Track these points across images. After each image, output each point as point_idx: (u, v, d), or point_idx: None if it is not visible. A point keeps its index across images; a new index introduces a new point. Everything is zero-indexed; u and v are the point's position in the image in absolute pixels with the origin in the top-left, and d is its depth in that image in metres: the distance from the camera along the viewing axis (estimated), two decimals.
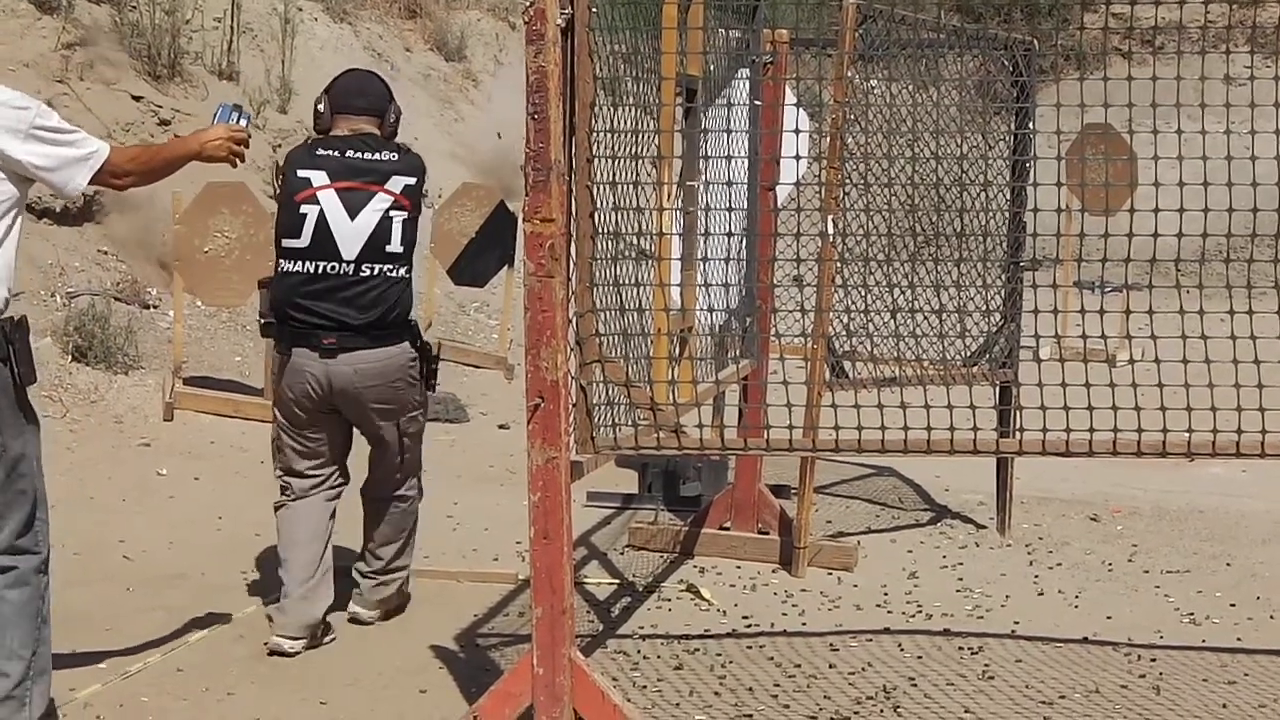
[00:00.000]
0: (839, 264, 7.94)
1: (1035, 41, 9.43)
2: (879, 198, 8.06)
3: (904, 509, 9.85)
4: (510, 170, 10.81)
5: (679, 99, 6.62)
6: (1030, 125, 8.74)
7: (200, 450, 10.37)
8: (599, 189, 5.56)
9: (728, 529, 8.67)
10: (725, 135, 7.00)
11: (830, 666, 6.81)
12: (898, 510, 9.81)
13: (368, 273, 6.60)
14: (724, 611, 7.61)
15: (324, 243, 6.59)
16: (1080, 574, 8.46)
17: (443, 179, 13.26)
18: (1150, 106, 5.72)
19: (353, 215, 6.59)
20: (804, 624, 7.45)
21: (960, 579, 8.29)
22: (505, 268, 9.49)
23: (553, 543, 5.32)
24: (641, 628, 7.32)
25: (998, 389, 8.85)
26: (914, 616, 7.61)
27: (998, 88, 9.37)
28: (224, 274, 11.18)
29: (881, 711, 6.28)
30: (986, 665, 6.88)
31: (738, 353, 7.82)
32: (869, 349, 8.20)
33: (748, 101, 7.58)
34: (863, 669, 6.79)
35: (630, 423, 5.72)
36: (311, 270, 6.61)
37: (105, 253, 12.22)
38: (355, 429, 6.97)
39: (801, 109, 8.52)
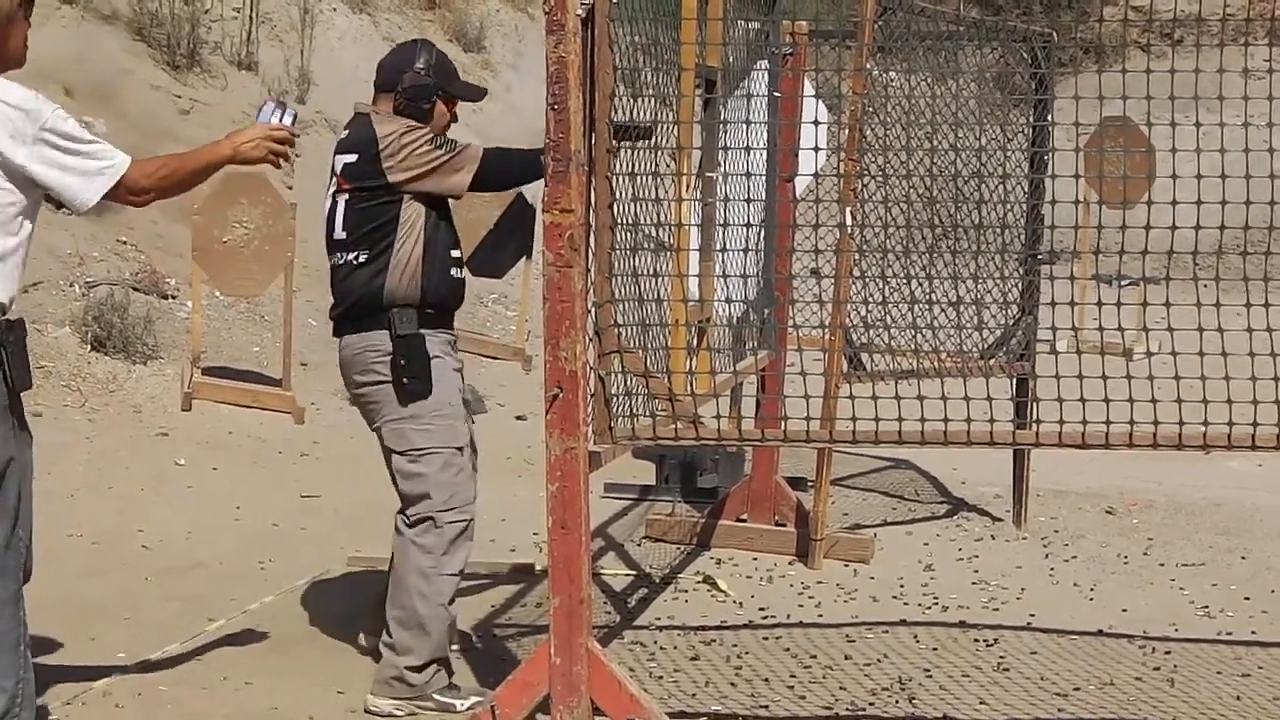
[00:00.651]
0: (857, 256, 7.95)
1: (1054, 34, 9.44)
2: (897, 190, 8.07)
3: (920, 502, 9.86)
4: None
5: (698, 90, 6.61)
6: (1049, 117, 8.75)
7: (218, 440, 10.39)
8: (618, 180, 5.57)
9: (744, 521, 8.69)
10: (744, 127, 7.01)
11: (846, 658, 6.83)
12: (914, 503, 9.83)
13: (336, 261, 6.24)
14: (740, 603, 7.63)
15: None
16: (1095, 567, 8.47)
17: None
18: (1169, 99, 5.72)
19: (326, 202, 6.29)
20: (820, 616, 7.47)
21: (976, 571, 8.31)
22: (523, 259, 9.49)
23: (570, 533, 5.32)
24: (658, 619, 7.34)
25: (1015, 381, 8.85)
26: (930, 608, 7.63)
27: (1016, 80, 9.37)
28: (243, 264, 11.16)
29: (897, 702, 6.29)
30: (1002, 657, 6.89)
31: (756, 344, 7.82)
32: (886, 341, 8.21)
33: (767, 93, 7.59)
34: (878, 660, 6.81)
35: (648, 413, 5.71)
36: None
37: (124, 242, 12.25)
38: None
39: (820, 101, 8.54)
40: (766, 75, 7.61)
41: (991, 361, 8.68)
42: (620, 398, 5.58)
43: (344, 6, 18.44)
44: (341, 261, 6.20)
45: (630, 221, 5.70)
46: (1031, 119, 9.03)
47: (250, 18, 15.89)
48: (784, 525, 8.59)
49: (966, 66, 9.14)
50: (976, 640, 7.12)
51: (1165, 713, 6.25)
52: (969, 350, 8.33)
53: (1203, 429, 5.54)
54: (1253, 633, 7.34)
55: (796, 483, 9.01)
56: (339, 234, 6.19)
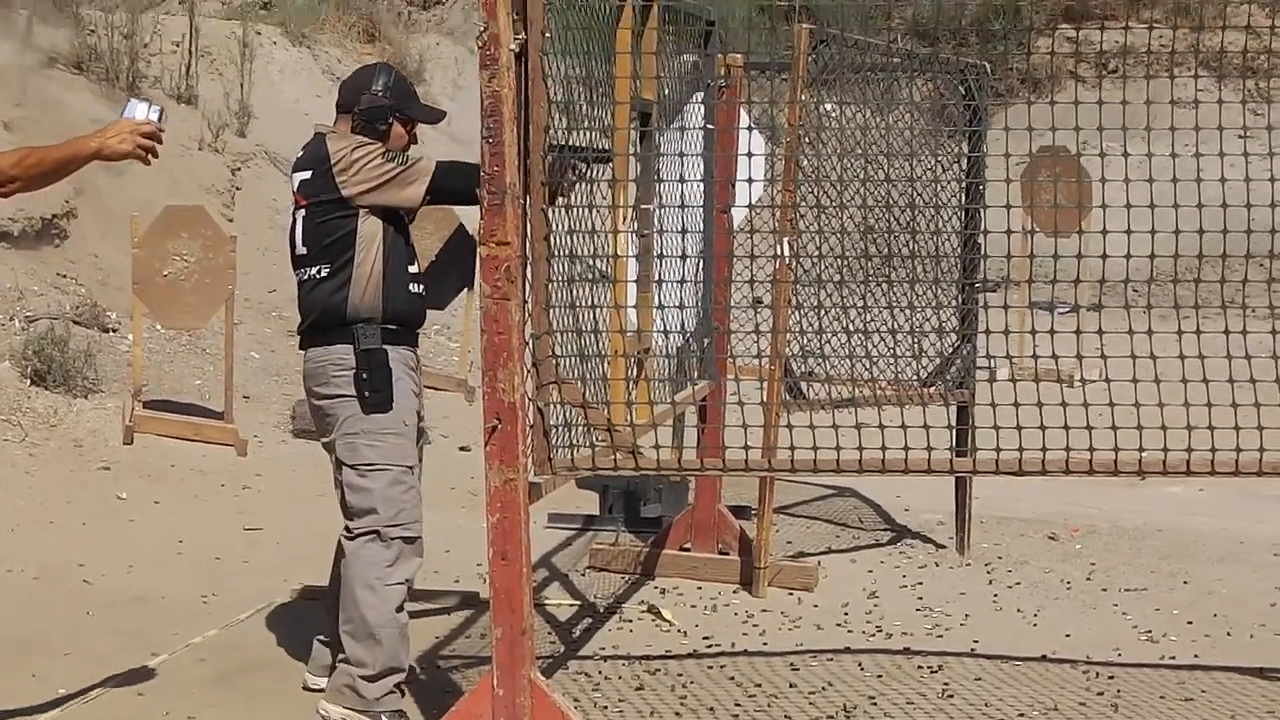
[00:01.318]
0: (795, 285, 7.99)
1: (987, 65, 9.51)
2: (833, 220, 8.12)
3: (864, 529, 9.89)
4: None
5: (633, 123, 6.64)
6: (983, 148, 8.81)
7: (160, 474, 10.36)
8: (554, 212, 5.60)
9: (688, 550, 8.70)
10: (680, 158, 7.05)
11: (791, 686, 6.84)
12: (858, 530, 9.86)
13: (300, 277, 6.29)
14: (685, 632, 7.64)
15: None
16: (1039, 592, 8.51)
17: None
18: (1097, 130, 5.78)
19: (289, 221, 6.38)
20: (765, 644, 7.49)
21: (920, 598, 8.34)
22: (465, 290, 9.50)
23: (511, 564, 5.34)
24: (603, 648, 7.34)
25: (954, 409, 8.89)
26: (874, 636, 7.65)
27: (951, 111, 9.44)
28: (184, 297, 11.13)
29: None
30: (946, 684, 6.92)
31: (695, 374, 7.85)
32: (825, 370, 8.25)
33: (702, 125, 7.62)
34: (823, 688, 6.83)
35: (588, 444, 5.75)
36: None
37: (64, 276, 12.21)
38: None
39: (756, 132, 8.58)
40: (702, 107, 7.64)
41: (931, 390, 8.72)
42: (560, 429, 5.61)
43: (284, 40, 18.46)
44: (305, 276, 6.25)
45: (567, 253, 5.74)
46: (966, 149, 9.09)
47: (190, 51, 15.88)
48: (728, 554, 8.60)
49: (901, 98, 9.19)
50: (921, 667, 7.15)
51: None
52: (908, 379, 8.36)
53: (1138, 455, 5.60)
54: (1195, 657, 7.38)
55: (740, 511, 9.02)
56: (300, 249, 6.26)
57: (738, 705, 6.59)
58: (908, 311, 7.78)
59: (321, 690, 6.38)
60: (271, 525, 9.33)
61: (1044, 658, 7.31)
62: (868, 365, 7.95)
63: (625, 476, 8.52)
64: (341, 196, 6.15)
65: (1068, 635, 7.68)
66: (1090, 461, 5.60)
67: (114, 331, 11.95)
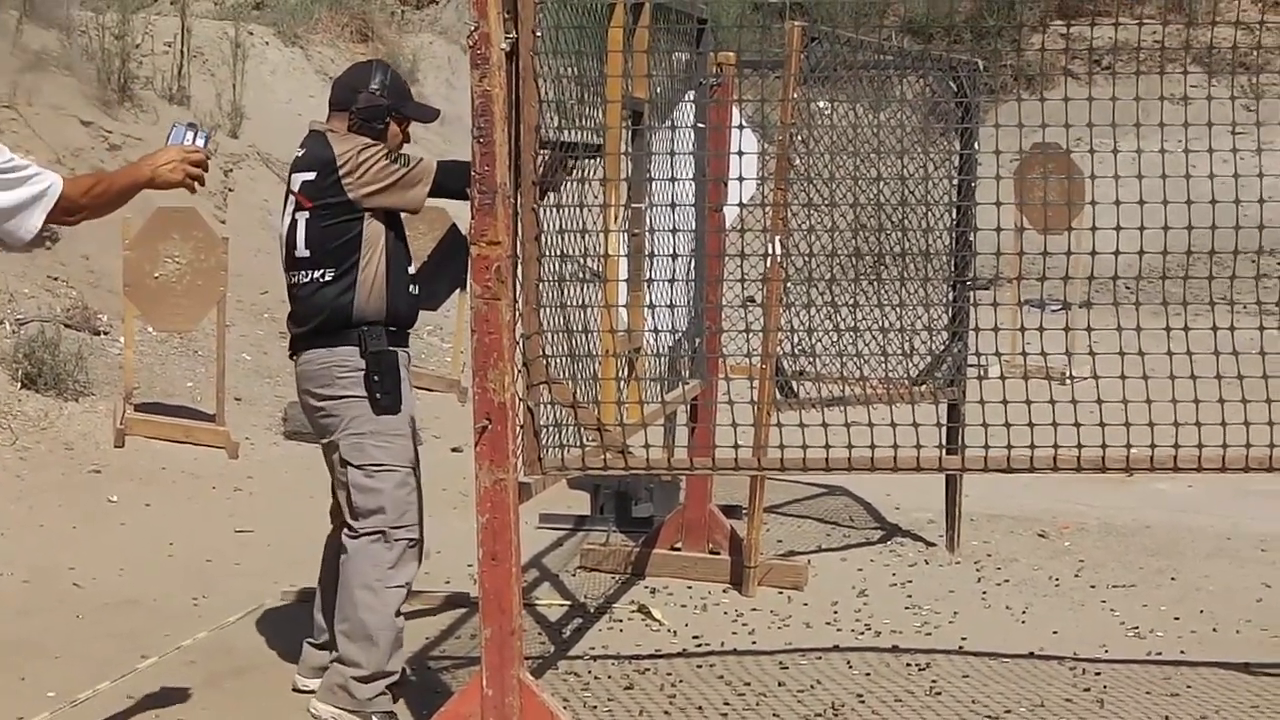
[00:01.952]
0: (786, 284, 7.99)
1: (980, 62, 9.52)
2: (825, 218, 8.13)
3: (854, 528, 9.90)
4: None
5: (625, 121, 6.65)
6: (975, 145, 8.82)
7: (151, 476, 10.36)
8: (546, 211, 5.61)
9: (679, 549, 8.71)
10: (672, 157, 7.05)
11: (780, 685, 6.86)
12: (848, 529, 9.86)
13: (295, 280, 6.28)
14: (675, 631, 7.65)
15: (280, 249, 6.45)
16: (1027, 590, 8.53)
17: None
18: (1088, 126, 5.79)
19: (283, 222, 6.37)
20: (754, 643, 7.50)
21: (909, 596, 8.35)
22: (458, 290, 9.52)
23: (501, 564, 5.35)
24: (592, 648, 7.36)
25: (944, 407, 8.91)
26: (863, 634, 7.66)
27: (944, 108, 9.44)
28: (175, 299, 11.12)
29: None
30: (934, 681, 6.94)
31: (686, 373, 7.86)
32: (816, 368, 8.25)
33: (695, 124, 7.63)
34: (811, 687, 6.84)
35: (578, 444, 5.76)
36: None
37: (55, 279, 12.21)
38: None
39: (748, 130, 8.59)
40: (694, 106, 7.65)
41: (921, 388, 8.72)
42: (550, 429, 5.62)
43: (276, 40, 18.44)
44: (306, 279, 6.24)
45: (558, 253, 5.75)
46: (959, 146, 9.10)
47: (182, 52, 15.86)
48: (718, 553, 8.62)
49: (894, 95, 9.20)
50: (909, 665, 7.16)
51: None
52: (898, 377, 8.37)
53: (1125, 451, 5.62)
54: (1182, 653, 7.40)
55: (731, 510, 9.04)
56: (301, 251, 6.23)
57: (726, 704, 6.60)
58: (898, 309, 7.80)
59: (311, 692, 6.40)
60: (262, 527, 9.33)
61: (1032, 654, 7.33)
62: (858, 363, 7.95)
63: (616, 476, 8.53)
64: (348, 199, 6.16)
65: (1055, 632, 7.69)
66: (1079, 458, 5.61)
67: (105, 334, 11.95)
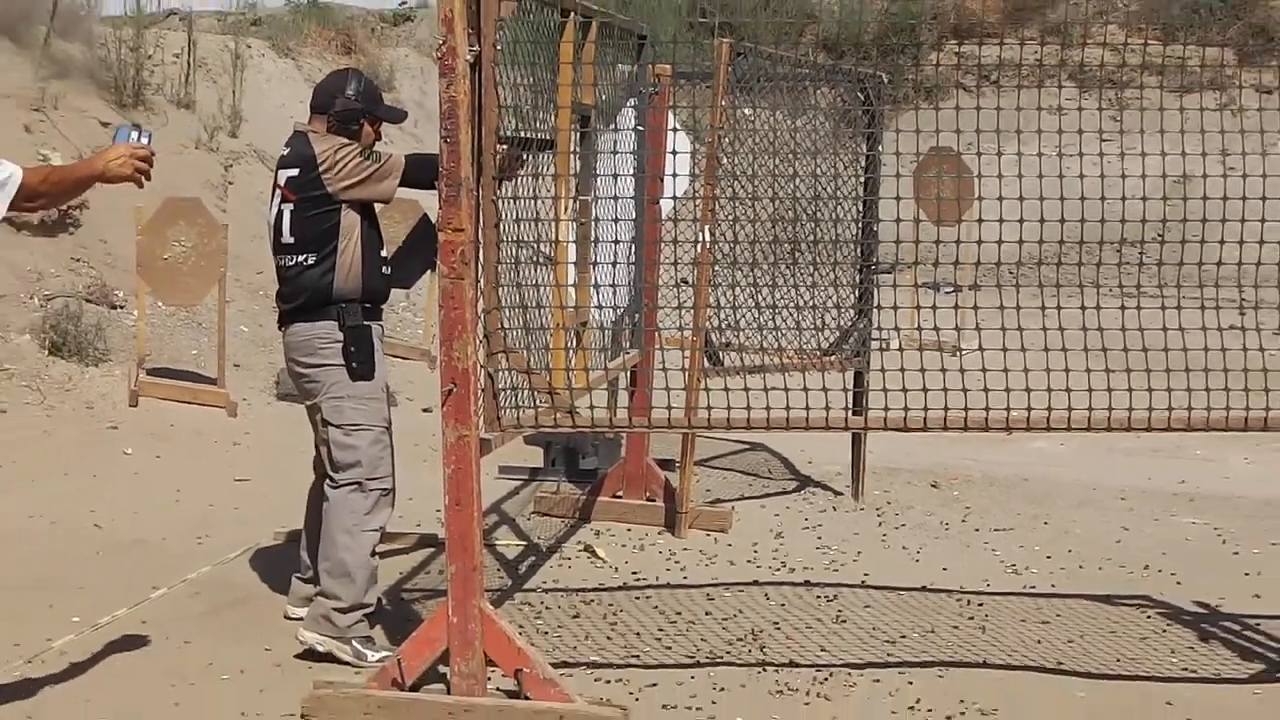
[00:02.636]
0: (714, 267, 8.00)
1: (884, 76, 9.52)
2: (748, 210, 8.13)
3: (773, 479, 9.91)
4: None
5: (575, 124, 6.63)
6: (879, 147, 8.82)
7: (161, 432, 10.31)
8: (504, 202, 5.60)
9: (620, 497, 8.70)
10: (615, 156, 7.03)
11: (706, 614, 6.87)
12: (767, 480, 9.88)
13: (282, 263, 6.27)
14: (616, 568, 7.65)
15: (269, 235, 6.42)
16: (921, 533, 8.55)
17: None
18: (976, 132, 5.81)
19: (270, 211, 6.34)
20: (684, 578, 7.50)
21: (819, 538, 8.36)
22: (429, 272, 9.48)
23: (464, 509, 5.36)
24: (544, 582, 7.35)
25: (851, 375, 8.92)
26: (779, 570, 7.68)
27: (853, 115, 9.45)
28: (181, 278, 11.12)
29: (750, 651, 6.35)
30: (840, 611, 6.95)
31: (627, 344, 7.85)
32: (740, 340, 8.25)
33: (635, 127, 7.62)
34: (734, 615, 6.85)
35: (532, 405, 5.76)
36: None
37: (78, 260, 12.13)
38: None
39: (682, 133, 8.57)
40: (635, 111, 7.64)
41: (831, 358, 8.73)
42: (507, 392, 5.62)
43: (271, 52, 18.37)
44: (292, 262, 6.22)
45: (515, 239, 5.74)
46: (865, 149, 9.11)
47: (188, 62, 15.78)
48: (654, 501, 8.61)
49: (810, 104, 9.19)
50: (819, 597, 7.18)
51: (977, 655, 6.35)
52: (811, 348, 8.38)
53: (1005, 413, 5.64)
54: (1052, 586, 7.44)
55: (665, 464, 9.03)
56: (287, 239, 6.22)
57: (661, 630, 6.61)
58: (812, 290, 7.79)
59: (300, 620, 6.38)
60: (257, 477, 9.31)
61: (924, 588, 7.35)
62: (776, 336, 7.95)
63: (565, 433, 8.50)
64: (327, 193, 6.14)
65: (945, 569, 7.71)
66: (966, 419, 5.64)
67: (121, 308, 11.89)
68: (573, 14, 6.46)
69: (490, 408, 5.49)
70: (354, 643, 6.11)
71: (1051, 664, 6.25)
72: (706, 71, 8.47)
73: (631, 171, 7.34)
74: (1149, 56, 20.68)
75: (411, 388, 11.49)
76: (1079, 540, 8.41)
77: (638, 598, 7.12)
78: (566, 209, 6.49)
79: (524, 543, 8.11)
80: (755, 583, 7.40)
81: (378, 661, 5.81)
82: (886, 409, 5.75)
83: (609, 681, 5.94)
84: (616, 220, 6.48)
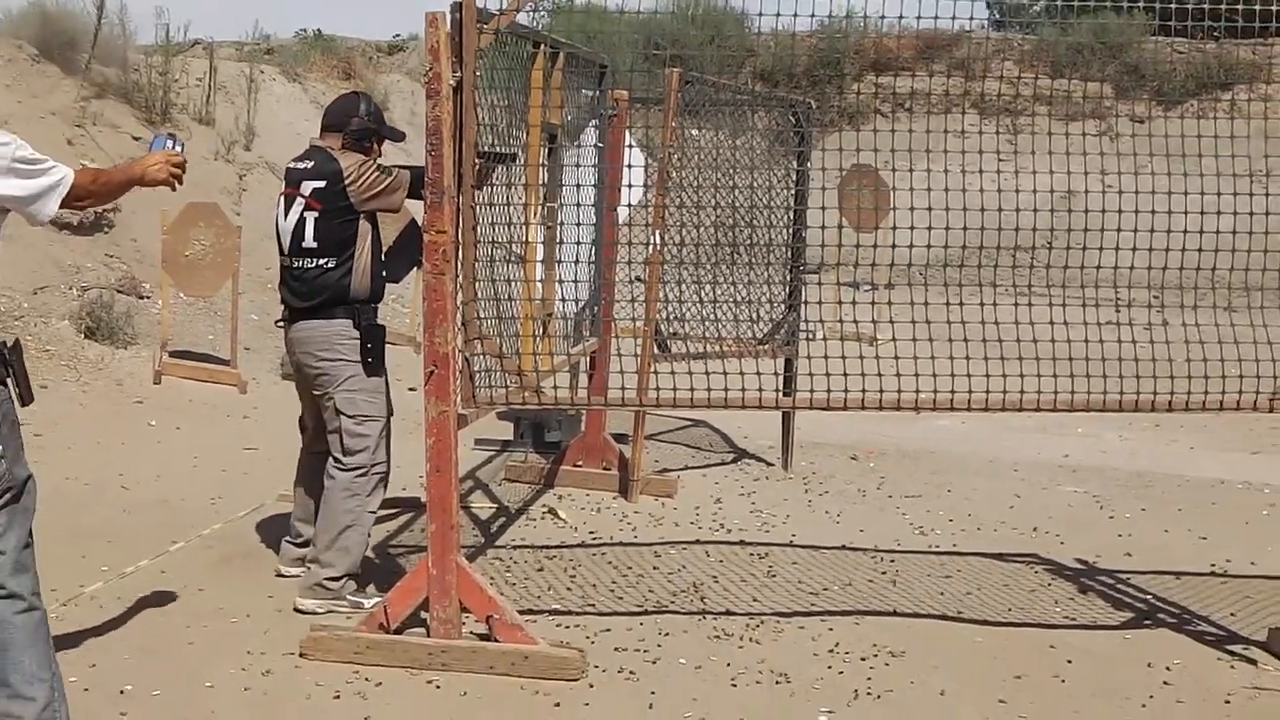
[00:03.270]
0: (664, 267, 7.96)
1: (812, 103, 9.50)
2: (694, 218, 8.10)
3: (713, 451, 9.88)
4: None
5: (543, 141, 6.59)
6: (808, 164, 8.80)
7: (181, 407, 10.24)
8: (481, 208, 5.55)
9: (580, 466, 8.66)
10: (578, 169, 7.00)
11: (654, 568, 6.83)
12: (708, 452, 9.85)
13: (298, 265, 6.11)
14: (575, 528, 7.61)
15: (278, 238, 6.24)
16: (842, 499, 8.53)
17: None
18: (891, 152, 5.79)
19: (286, 216, 6.16)
20: (635, 537, 7.47)
21: (753, 503, 8.34)
22: (416, 268, 9.42)
23: (443, 475, 5.33)
24: (513, 540, 7.31)
25: (782, 361, 8.90)
26: (717, 531, 7.65)
27: (785, 136, 9.42)
28: (201, 273, 11.09)
29: (692, 601, 6.31)
30: (770, 567, 6.93)
31: (587, 332, 7.82)
32: (685, 330, 8.23)
33: (596, 144, 7.59)
34: (679, 570, 6.82)
35: (504, 385, 5.73)
36: (278, 261, 6.30)
37: (111, 256, 12.03)
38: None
39: (637, 149, 8.54)
40: (596, 130, 7.61)
41: (765, 346, 8.71)
42: (482, 373, 5.58)
43: (281, 77, 18.26)
44: (313, 265, 6.08)
45: (490, 240, 5.70)
46: (796, 166, 9.08)
47: (209, 85, 15.68)
48: (610, 469, 8.57)
49: (748, 126, 9.17)
50: (752, 554, 7.15)
51: (889, 605, 6.33)
52: (747, 337, 8.35)
53: (916, 396, 5.63)
54: (954, 545, 7.44)
55: (620, 438, 8.99)
56: (309, 243, 6.08)
57: (614, 583, 6.57)
58: (748, 287, 7.79)
59: (291, 577, 6.39)
60: (265, 446, 9.23)
61: (844, 547, 7.33)
62: (717, 327, 7.94)
63: (532, 410, 8.48)
64: (350, 204, 6.05)
65: (862, 530, 7.70)
66: (881, 400, 5.62)
67: (147, 298, 11.80)
68: (543, 45, 6.42)
69: (467, 387, 5.45)
70: (349, 597, 6.06)
71: (953, 613, 6.24)
72: (659, 97, 8.44)
73: (593, 182, 7.30)
74: (1040, 89, 20.81)
75: (399, 369, 11.35)
76: (977, 505, 8.41)
77: (594, 554, 7.08)
78: (535, 214, 6.46)
79: (496, 505, 8.06)
80: (697, 542, 7.37)
81: (372, 607, 5.76)
82: (812, 391, 5.72)
83: (568, 627, 5.91)
84: (579, 225, 6.45)
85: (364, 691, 5.16)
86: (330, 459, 6.18)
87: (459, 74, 5.25)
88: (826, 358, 5.69)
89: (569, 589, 6.45)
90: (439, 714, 5.01)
